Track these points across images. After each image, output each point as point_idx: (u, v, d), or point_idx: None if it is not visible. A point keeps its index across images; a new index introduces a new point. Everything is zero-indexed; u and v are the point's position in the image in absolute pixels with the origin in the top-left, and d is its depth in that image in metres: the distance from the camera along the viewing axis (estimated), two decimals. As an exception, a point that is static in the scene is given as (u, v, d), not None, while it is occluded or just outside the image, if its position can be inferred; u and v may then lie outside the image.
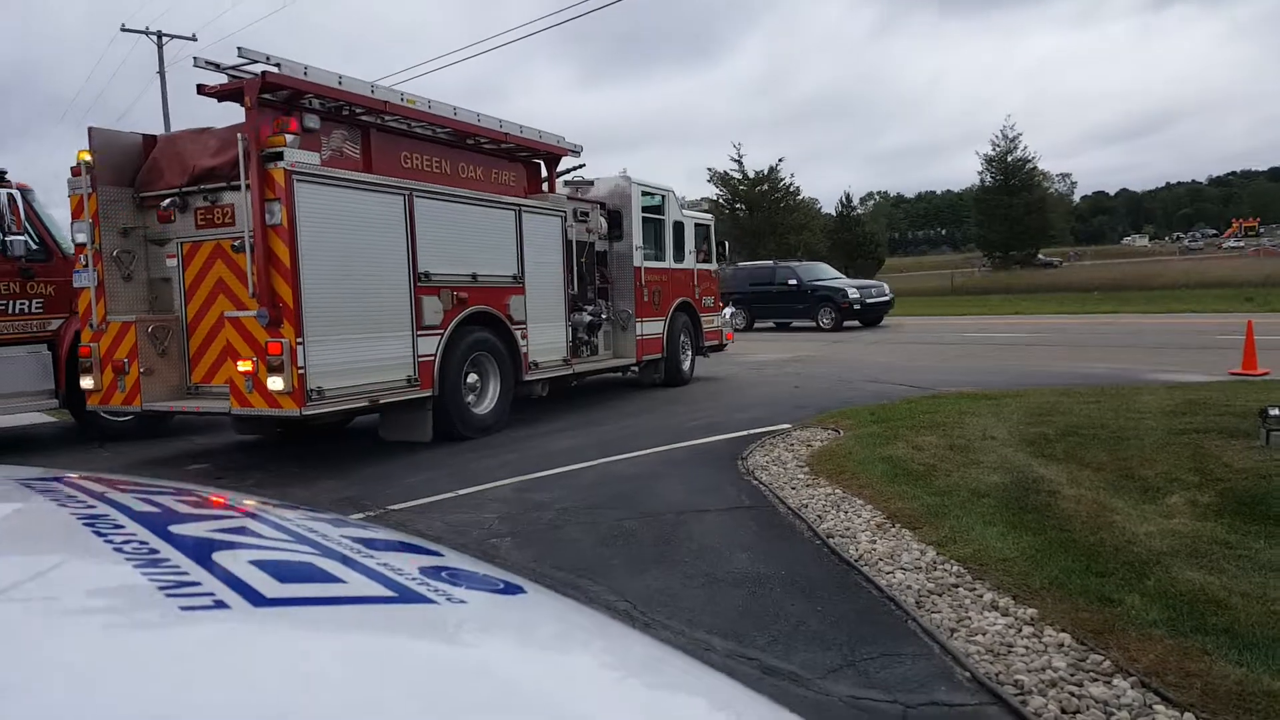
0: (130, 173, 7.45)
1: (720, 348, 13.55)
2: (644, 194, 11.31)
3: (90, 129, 7.30)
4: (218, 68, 6.83)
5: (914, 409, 8.23)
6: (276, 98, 7.01)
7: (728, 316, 14.20)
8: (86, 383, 7.42)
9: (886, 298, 23.44)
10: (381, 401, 7.27)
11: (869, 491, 5.40)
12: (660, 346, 11.54)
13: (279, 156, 6.47)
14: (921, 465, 5.85)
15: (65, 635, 0.69)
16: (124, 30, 29.84)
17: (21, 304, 8.49)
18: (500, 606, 0.94)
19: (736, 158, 49.13)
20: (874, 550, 4.38)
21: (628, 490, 6.05)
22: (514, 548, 4.85)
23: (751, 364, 14.54)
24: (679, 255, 12.09)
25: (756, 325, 24.12)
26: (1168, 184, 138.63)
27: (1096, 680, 2.96)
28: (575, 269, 9.99)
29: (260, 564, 0.89)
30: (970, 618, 3.53)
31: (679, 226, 12.10)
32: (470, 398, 8.32)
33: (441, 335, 7.81)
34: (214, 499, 1.29)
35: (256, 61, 6.76)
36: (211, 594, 0.76)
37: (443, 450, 7.75)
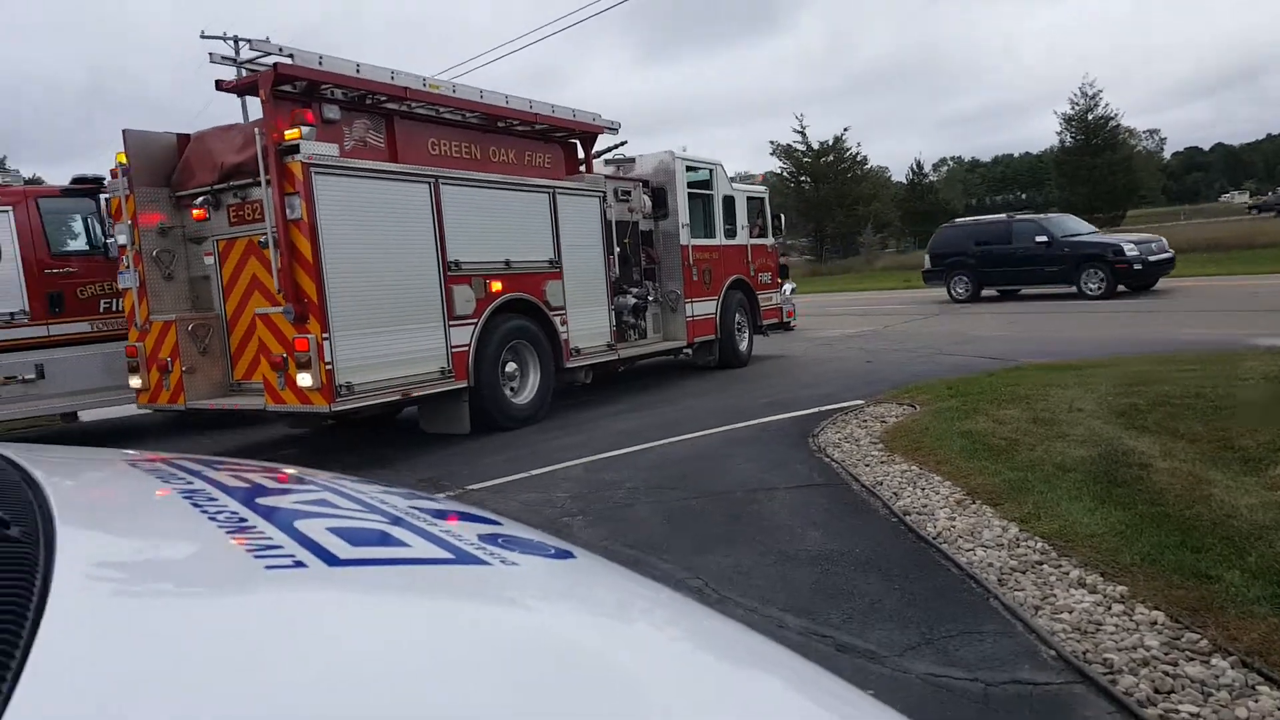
0: (166, 172, 7.45)
1: (783, 326, 12.90)
2: (689, 169, 10.81)
3: (124, 131, 7.33)
4: (234, 62, 6.83)
5: (994, 382, 7.96)
6: (295, 90, 6.95)
7: (788, 293, 13.49)
8: (134, 382, 7.54)
9: (1168, 254, 18.26)
10: (414, 395, 7.15)
11: (947, 467, 5.25)
12: (713, 327, 11.04)
13: (296, 149, 6.39)
14: (1003, 439, 5.66)
15: (170, 591, 0.79)
16: (203, 37, 30.89)
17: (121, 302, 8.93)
18: (548, 569, 1.01)
19: (799, 129, 48.23)
20: (953, 527, 4.26)
21: (696, 469, 6.03)
22: (585, 525, 4.89)
23: (821, 340, 14.32)
24: (731, 231, 11.51)
25: (984, 294, 20.07)
26: (1269, 135, 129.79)
27: (1193, 659, 2.82)
28: (618, 250, 9.63)
29: (336, 530, 0.98)
30: (1055, 595, 3.40)
31: (729, 201, 11.52)
32: (510, 387, 8.15)
33: (475, 324, 7.62)
34: (297, 475, 1.39)
35: (270, 54, 6.65)
36: (292, 555, 0.85)
37: (515, 433, 7.87)
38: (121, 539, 0.96)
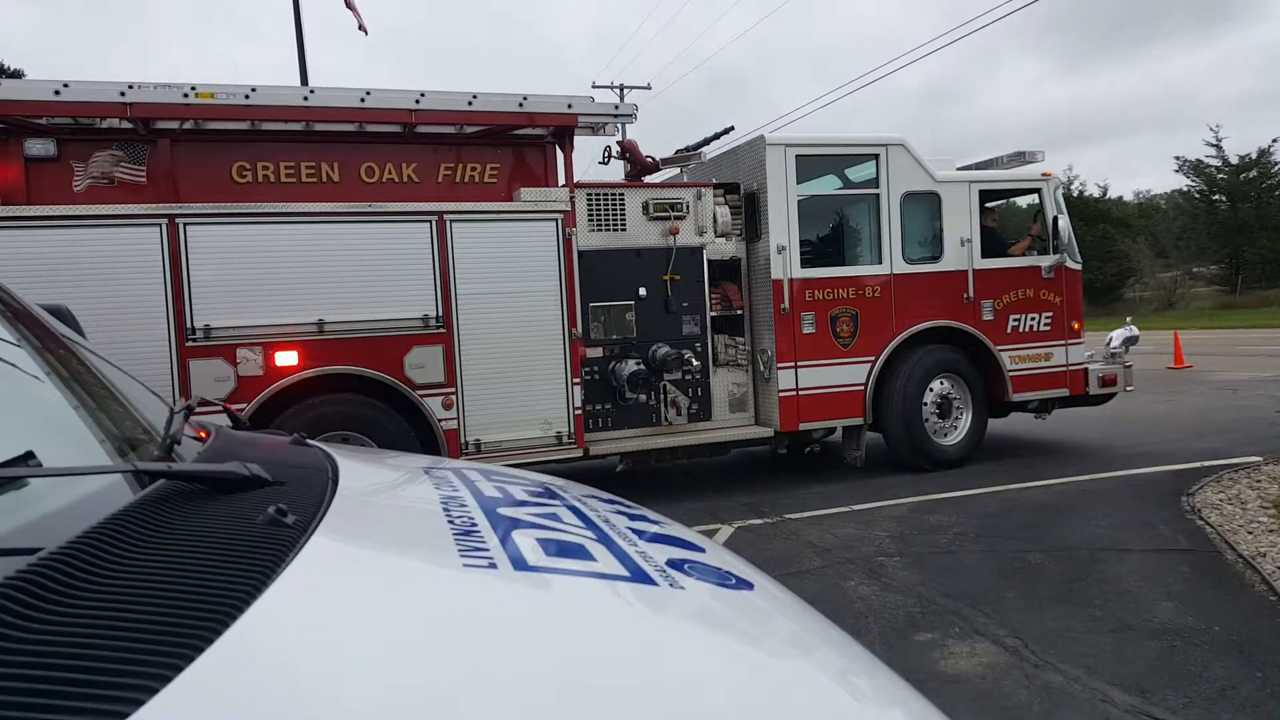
0: None
1: (1089, 400, 8.13)
2: (803, 158, 7.27)
3: None
4: None
5: None
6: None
7: (1117, 342, 8.27)
8: None
9: None
10: None
11: (1358, 544, 4.34)
12: (858, 406, 7.34)
13: None
14: None
15: (382, 570, 0.99)
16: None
17: None
18: (710, 594, 1.08)
19: (1214, 142, 41.36)
20: (1351, 616, 3.55)
21: (1037, 520, 5.62)
22: (901, 568, 4.84)
23: (1223, 383, 12.22)
24: (928, 250, 7.67)
25: None
26: None
27: None
28: (642, 293, 7.06)
29: (542, 541, 1.10)
30: None
31: (928, 200, 7.62)
32: None
33: (240, 412, 5.21)
34: (550, 490, 1.54)
35: None
36: (490, 558, 0.99)
37: (843, 465, 7.87)
38: (372, 531, 1.12)
